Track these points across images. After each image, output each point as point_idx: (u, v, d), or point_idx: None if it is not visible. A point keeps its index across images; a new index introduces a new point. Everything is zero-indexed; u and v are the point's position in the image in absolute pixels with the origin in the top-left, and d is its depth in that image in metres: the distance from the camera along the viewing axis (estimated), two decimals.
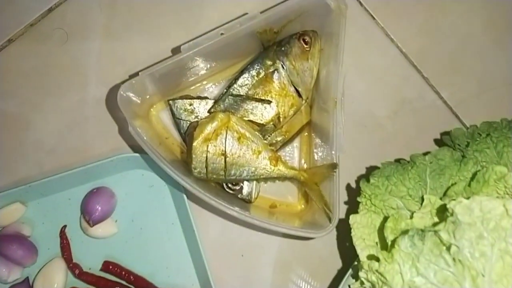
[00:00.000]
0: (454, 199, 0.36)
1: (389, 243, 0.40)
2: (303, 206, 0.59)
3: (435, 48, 0.64)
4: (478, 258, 0.34)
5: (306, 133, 0.60)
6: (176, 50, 0.49)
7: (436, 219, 0.40)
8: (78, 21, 0.61)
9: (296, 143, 0.60)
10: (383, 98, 0.63)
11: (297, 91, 0.56)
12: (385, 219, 0.42)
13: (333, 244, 0.58)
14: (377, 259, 0.39)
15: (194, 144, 0.51)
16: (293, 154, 0.60)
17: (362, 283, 0.41)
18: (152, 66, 0.49)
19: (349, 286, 0.46)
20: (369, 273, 0.39)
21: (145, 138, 0.49)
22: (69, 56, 0.61)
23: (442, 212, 0.39)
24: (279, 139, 0.57)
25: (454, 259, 0.35)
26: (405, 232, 0.38)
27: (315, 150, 0.58)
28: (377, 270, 0.37)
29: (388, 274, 0.36)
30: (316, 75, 0.57)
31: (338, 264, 0.57)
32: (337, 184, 0.49)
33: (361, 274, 0.40)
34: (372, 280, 0.39)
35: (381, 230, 0.42)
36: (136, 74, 0.49)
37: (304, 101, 0.57)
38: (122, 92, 0.48)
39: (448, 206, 0.35)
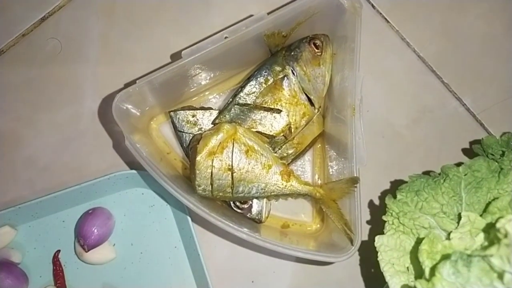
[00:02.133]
0: (501, 217, 0.31)
1: (426, 269, 0.35)
2: (318, 225, 0.55)
3: (454, 52, 0.60)
4: None
5: (319, 145, 0.56)
6: (176, 56, 0.46)
7: (477, 240, 0.35)
8: (73, 30, 0.59)
9: (308, 156, 0.57)
10: (401, 106, 0.59)
11: (309, 99, 0.52)
12: (418, 241, 0.37)
13: (354, 268, 0.53)
14: None
15: (198, 158, 0.47)
16: (305, 168, 0.56)
17: None
18: (151, 73, 0.45)
19: None
20: None
21: (143, 153, 0.45)
22: (63, 68, 0.58)
23: (487, 232, 0.34)
24: (290, 152, 0.53)
25: None
26: (446, 256, 0.32)
27: (329, 164, 0.54)
28: None
29: None
30: (329, 82, 0.53)
31: (361, 285, 0.52)
32: (359, 201, 0.45)
33: None
34: None
35: (413, 254, 0.37)
36: (133, 82, 0.45)
37: (316, 110, 0.53)
38: (117, 102, 0.44)
39: (498, 225, 0.30)
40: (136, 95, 0.46)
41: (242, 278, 0.54)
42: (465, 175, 0.40)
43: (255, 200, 0.51)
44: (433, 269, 0.33)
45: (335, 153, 0.53)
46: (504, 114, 0.59)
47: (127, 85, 0.47)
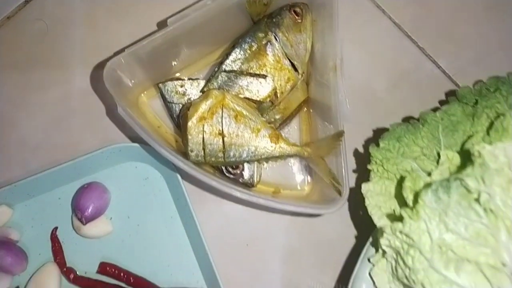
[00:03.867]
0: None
1: (410, 203, 0.37)
2: (308, 189, 0.56)
3: (428, 17, 0.63)
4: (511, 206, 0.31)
5: (305, 110, 0.58)
6: (162, 25, 0.47)
7: None
8: (58, 11, 0.59)
9: (295, 124, 0.58)
10: (379, 71, 0.61)
11: (293, 64, 0.53)
12: (401, 179, 0.39)
13: (343, 221, 0.55)
14: (400, 219, 0.36)
15: (189, 124, 0.48)
16: (292, 134, 0.58)
17: (384, 252, 0.37)
18: (138, 41, 0.46)
19: (368, 259, 0.42)
20: (392, 238, 0.36)
21: (136, 119, 0.46)
22: (50, 48, 0.58)
23: (464, 167, 0.36)
24: (277, 117, 0.55)
25: (485, 209, 0.32)
26: (427, 185, 0.35)
27: (316, 128, 0.55)
28: (401, 232, 0.34)
29: (415, 234, 0.33)
30: (310, 49, 0.54)
31: (351, 241, 0.54)
32: (344, 154, 0.47)
33: (383, 241, 0.37)
34: (396, 246, 0.35)
35: (398, 194, 0.39)
36: (122, 50, 0.46)
37: (300, 76, 0.54)
38: (108, 69, 0.45)
39: (473, 150, 0.32)
40: (125, 66, 0.47)
41: (237, 243, 0.55)
42: (442, 119, 0.42)
43: (246, 165, 0.52)
44: (416, 197, 0.35)
45: (320, 118, 0.54)
46: (477, 74, 0.60)
47: (116, 53, 0.48)
